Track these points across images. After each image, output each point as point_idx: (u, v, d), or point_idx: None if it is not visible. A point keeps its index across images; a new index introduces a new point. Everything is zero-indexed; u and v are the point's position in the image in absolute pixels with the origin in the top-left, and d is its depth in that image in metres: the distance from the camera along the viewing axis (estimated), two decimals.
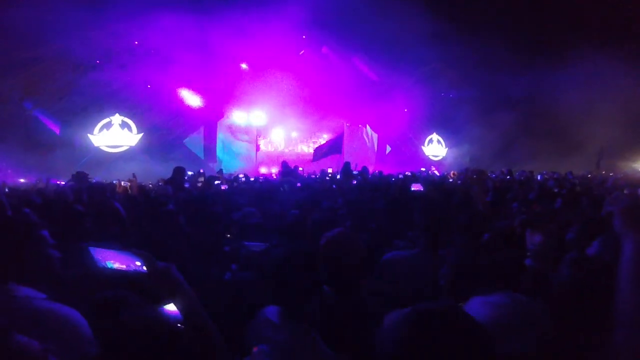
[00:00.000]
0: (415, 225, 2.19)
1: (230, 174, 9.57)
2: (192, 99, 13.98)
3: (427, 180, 6.53)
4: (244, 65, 14.61)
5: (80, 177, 3.43)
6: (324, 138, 16.32)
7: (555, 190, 5.46)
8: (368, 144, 17.59)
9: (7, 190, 6.34)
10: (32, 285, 1.27)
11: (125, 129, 13.17)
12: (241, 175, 9.00)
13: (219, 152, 14.95)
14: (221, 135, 15.13)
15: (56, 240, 1.44)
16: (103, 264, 1.14)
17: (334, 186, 5.54)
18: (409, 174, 9.08)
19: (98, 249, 1.14)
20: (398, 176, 8.65)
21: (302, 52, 15.31)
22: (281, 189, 4.98)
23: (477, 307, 1.29)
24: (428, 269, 1.75)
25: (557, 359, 1.21)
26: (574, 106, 13.83)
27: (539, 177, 9.34)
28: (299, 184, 5.05)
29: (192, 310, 1.15)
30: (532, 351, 1.19)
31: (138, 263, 1.11)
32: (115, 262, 1.13)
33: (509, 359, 1.08)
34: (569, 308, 1.36)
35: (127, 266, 1.12)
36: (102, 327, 1.16)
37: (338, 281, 1.61)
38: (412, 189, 4.42)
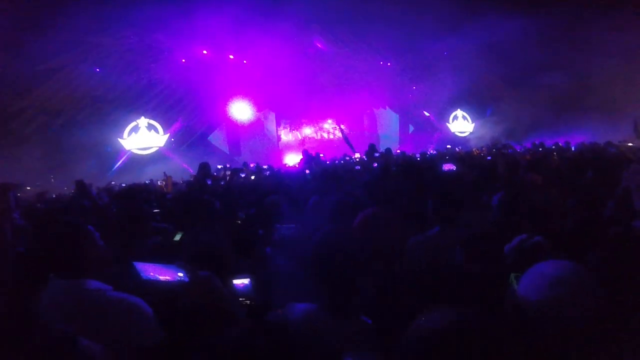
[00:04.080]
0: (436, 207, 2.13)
1: (255, 166, 9.74)
2: (210, 94, 14.19)
3: (457, 158, 6.28)
4: (256, 58, 14.57)
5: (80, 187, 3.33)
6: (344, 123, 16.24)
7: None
8: (389, 125, 17.27)
9: (54, 196, 6.91)
10: (93, 276, 1.38)
11: (152, 130, 13.63)
12: (265, 167, 9.14)
13: (242, 145, 15.25)
14: (243, 128, 15.36)
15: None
16: (148, 276, 1.25)
17: (357, 167, 5.47)
18: (434, 152, 8.83)
19: (142, 264, 1.25)
20: (425, 155, 8.42)
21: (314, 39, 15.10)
22: (307, 174, 4.98)
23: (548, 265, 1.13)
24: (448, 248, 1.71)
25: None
26: (606, 73, 12.82)
27: (573, 148, 8.78)
28: (307, 171, 5.02)
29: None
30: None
31: (180, 274, 1.21)
32: (159, 274, 1.24)
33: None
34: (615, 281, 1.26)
35: (171, 277, 1.23)
36: (166, 316, 1.28)
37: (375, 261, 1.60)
38: (444, 169, 4.20)
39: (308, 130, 16.36)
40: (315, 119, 16.25)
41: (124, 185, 8.48)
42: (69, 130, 11.92)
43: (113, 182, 9.58)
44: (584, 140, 10.20)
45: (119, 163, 13.17)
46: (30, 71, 11.03)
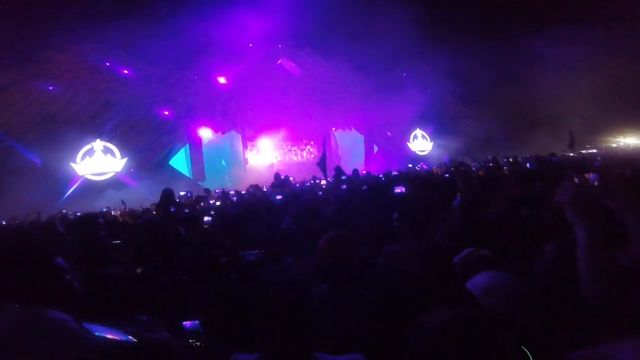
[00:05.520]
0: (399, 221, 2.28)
1: (220, 191, 9.52)
2: (172, 117, 13.81)
3: (413, 179, 6.67)
4: (222, 79, 14.56)
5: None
6: (311, 145, 16.51)
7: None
8: (355, 146, 17.77)
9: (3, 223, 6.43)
10: (58, 308, 1.33)
11: (109, 154, 12.90)
12: (232, 192, 8.96)
13: (207, 170, 14.86)
14: (207, 152, 15.04)
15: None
16: (98, 334, 1.24)
17: (319, 193, 5.61)
18: (395, 173, 9.22)
19: (92, 325, 1.25)
20: (389, 175, 8.74)
21: (279, 61, 15.42)
22: (276, 199, 5.02)
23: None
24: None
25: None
26: (551, 89, 14.28)
27: (528, 165, 9.47)
28: (279, 196, 5.14)
29: None
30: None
31: (131, 338, 1.21)
32: (108, 334, 1.24)
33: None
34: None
35: (119, 338, 1.23)
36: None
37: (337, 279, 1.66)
38: (396, 191, 4.58)
39: (276, 153, 16.36)
40: (282, 141, 16.32)
41: (78, 214, 7.93)
42: (14, 152, 10.95)
43: (64, 210, 8.91)
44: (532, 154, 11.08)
45: (71, 190, 12.27)
46: None
